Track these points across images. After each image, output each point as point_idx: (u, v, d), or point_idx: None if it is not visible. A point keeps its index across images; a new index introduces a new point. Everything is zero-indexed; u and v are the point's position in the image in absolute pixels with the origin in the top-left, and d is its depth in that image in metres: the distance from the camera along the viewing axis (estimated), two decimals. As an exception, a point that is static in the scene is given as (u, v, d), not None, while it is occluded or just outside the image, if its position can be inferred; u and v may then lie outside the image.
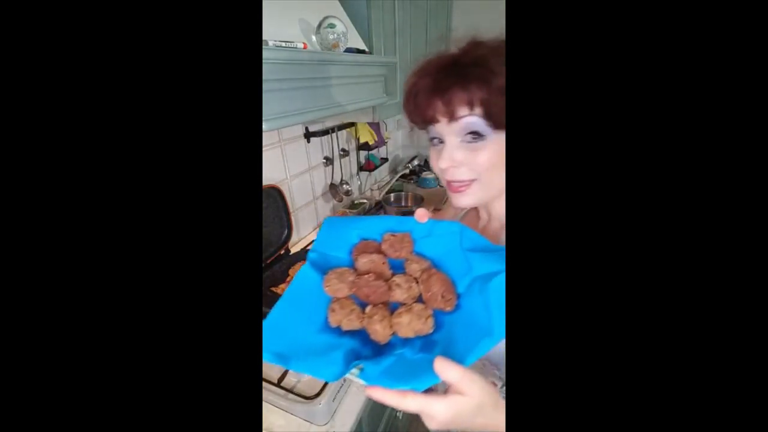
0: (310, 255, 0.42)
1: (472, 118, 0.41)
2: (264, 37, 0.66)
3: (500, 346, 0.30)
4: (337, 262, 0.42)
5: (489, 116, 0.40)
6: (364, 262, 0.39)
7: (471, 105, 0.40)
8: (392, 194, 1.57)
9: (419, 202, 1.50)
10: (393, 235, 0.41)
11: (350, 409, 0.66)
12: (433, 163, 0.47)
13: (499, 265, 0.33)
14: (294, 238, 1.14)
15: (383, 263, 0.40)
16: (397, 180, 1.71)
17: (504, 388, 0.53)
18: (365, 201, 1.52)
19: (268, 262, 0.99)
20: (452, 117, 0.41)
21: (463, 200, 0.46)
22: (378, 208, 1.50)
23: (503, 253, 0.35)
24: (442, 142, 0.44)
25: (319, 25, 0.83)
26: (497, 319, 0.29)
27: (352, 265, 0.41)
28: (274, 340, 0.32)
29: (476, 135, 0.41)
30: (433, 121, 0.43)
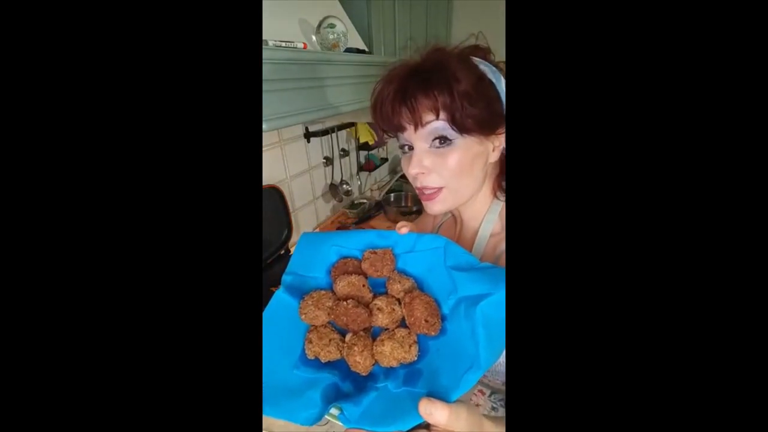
0: (285, 278, 0.39)
1: (438, 123, 0.41)
2: (264, 37, 0.66)
3: None
4: (315, 283, 0.39)
5: (454, 121, 0.40)
6: (342, 285, 0.37)
7: (436, 111, 0.40)
8: (392, 194, 1.57)
9: (419, 202, 1.49)
10: (374, 252, 0.39)
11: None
12: (405, 170, 0.47)
13: (484, 286, 0.32)
14: (294, 238, 1.14)
15: (363, 285, 0.37)
16: (397, 180, 1.71)
17: (493, 396, 0.53)
18: (365, 201, 1.53)
19: (269, 262, 0.99)
20: (418, 124, 0.41)
21: (435, 207, 0.47)
22: (378, 208, 1.50)
23: (488, 273, 0.33)
24: (411, 148, 0.45)
25: (319, 25, 0.84)
26: (484, 349, 0.28)
27: (331, 287, 0.39)
28: None
29: (443, 140, 0.42)
30: (400, 128, 0.44)
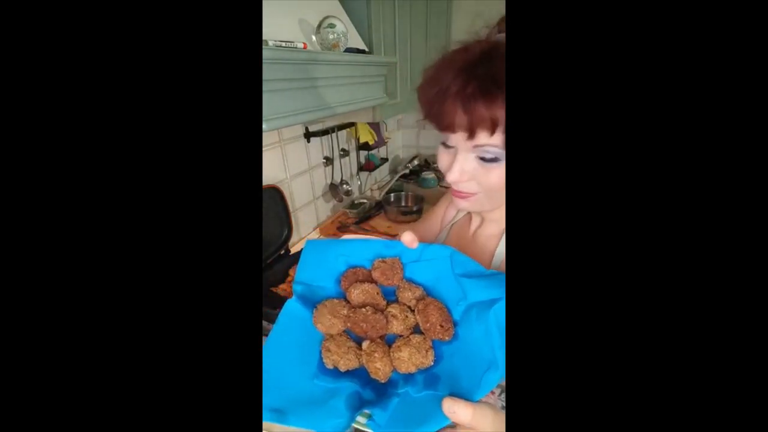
0: (296, 288, 0.39)
1: (491, 141, 0.38)
2: (264, 37, 0.66)
3: None
4: (324, 293, 0.39)
5: None
6: (357, 293, 0.37)
7: (492, 127, 0.37)
8: (392, 194, 1.57)
9: (419, 202, 1.50)
10: (383, 262, 0.39)
11: (350, 409, 0.66)
12: (440, 162, 0.45)
13: (494, 291, 0.32)
14: (294, 238, 1.14)
15: (377, 293, 0.37)
16: (397, 180, 1.71)
17: (503, 395, 0.53)
18: (365, 201, 1.53)
19: (269, 262, 0.99)
20: (472, 135, 0.39)
21: (464, 205, 0.46)
22: (378, 208, 1.50)
23: (496, 279, 0.34)
24: (452, 147, 0.43)
25: (319, 25, 0.84)
26: (500, 350, 0.28)
27: (341, 296, 0.39)
28: (268, 392, 0.29)
29: (491, 156, 0.39)
30: (450, 130, 0.41)
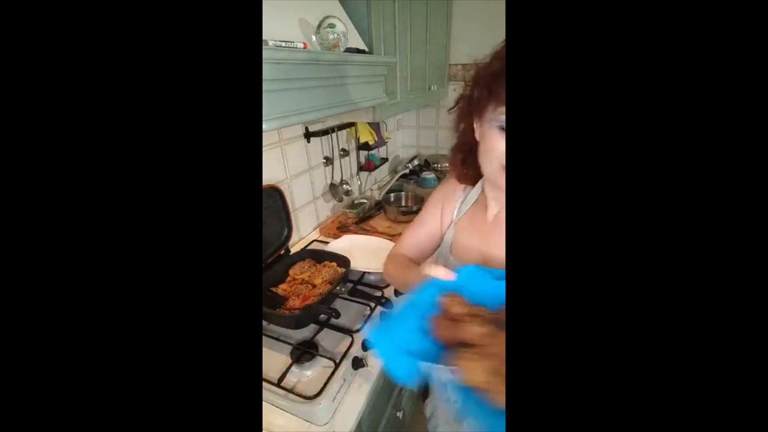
0: (407, 362, 0.38)
1: None
2: (264, 37, 0.66)
3: None
4: (435, 356, 0.38)
5: None
6: (474, 328, 0.37)
7: None
8: (392, 194, 1.57)
9: (419, 202, 1.50)
10: (446, 296, 0.40)
11: (350, 409, 0.66)
12: (497, 146, 0.45)
13: None
14: (294, 238, 1.14)
15: (483, 320, 0.38)
16: (397, 180, 1.71)
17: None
18: (365, 201, 1.53)
19: (269, 262, 0.99)
20: None
21: None
22: (378, 208, 1.50)
23: None
24: None
25: (319, 25, 0.83)
26: None
27: (441, 347, 0.39)
28: None
29: None
30: None
